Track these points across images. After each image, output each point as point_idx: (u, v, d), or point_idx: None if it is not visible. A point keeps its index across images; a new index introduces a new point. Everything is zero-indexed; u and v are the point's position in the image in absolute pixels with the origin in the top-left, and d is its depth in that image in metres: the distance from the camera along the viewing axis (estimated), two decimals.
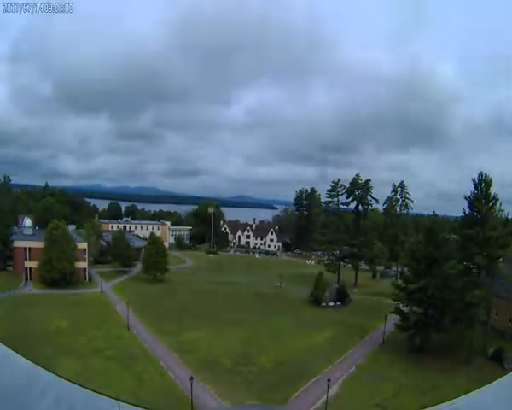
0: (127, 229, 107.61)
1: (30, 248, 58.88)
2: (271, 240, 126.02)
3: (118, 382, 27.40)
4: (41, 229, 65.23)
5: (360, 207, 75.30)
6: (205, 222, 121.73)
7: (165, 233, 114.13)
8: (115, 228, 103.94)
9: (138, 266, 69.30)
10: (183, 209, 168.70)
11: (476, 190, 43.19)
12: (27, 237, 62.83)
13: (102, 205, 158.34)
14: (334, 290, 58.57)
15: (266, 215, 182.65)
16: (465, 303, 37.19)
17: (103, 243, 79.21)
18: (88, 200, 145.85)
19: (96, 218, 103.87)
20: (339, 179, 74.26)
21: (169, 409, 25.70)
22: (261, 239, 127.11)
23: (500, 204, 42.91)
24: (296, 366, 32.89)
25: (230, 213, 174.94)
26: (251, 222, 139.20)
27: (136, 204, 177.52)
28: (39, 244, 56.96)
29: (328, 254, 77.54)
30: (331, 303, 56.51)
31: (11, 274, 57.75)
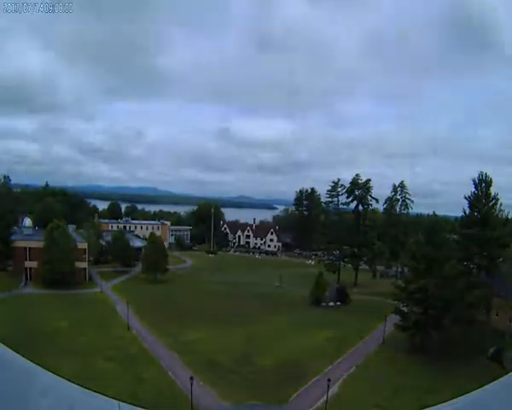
0: (127, 229, 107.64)
1: (30, 248, 58.90)
2: (271, 240, 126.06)
3: (118, 382, 27.38)
4: (41, 229, 65.22)
5: (360, 207, 75.34)
6: (205, 222, 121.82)
7: (165, 233, 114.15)
8: (115, 228, 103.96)
9: (138, 266, 69.31)
10: (183, 209, 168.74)
11: (476, 190, 43.27)
12: (27, 237, 62.83)
13: (102, 205, 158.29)
14: (334, 290, 58.53)
15: (266, 215, 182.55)
16: (465, 303, 37.22)
17: (103, 243, 79.19)
18: (88, 200, 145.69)
19: (96, 218, 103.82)
20: (339, 179, 74.48)
21: (169, 409, 25.71)
22: (261, 239, 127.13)
23: (500, 204, 43.02)
24: (296, 366, 32.85)
25: (230, 214, 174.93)
26: (251, 222, 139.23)
27: (136, 204, 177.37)
28: (39, 244, 56.95)
29: (328, 254, 77.60)
30: (331, 303, 56.50)
31: (11, 274, 57.77)
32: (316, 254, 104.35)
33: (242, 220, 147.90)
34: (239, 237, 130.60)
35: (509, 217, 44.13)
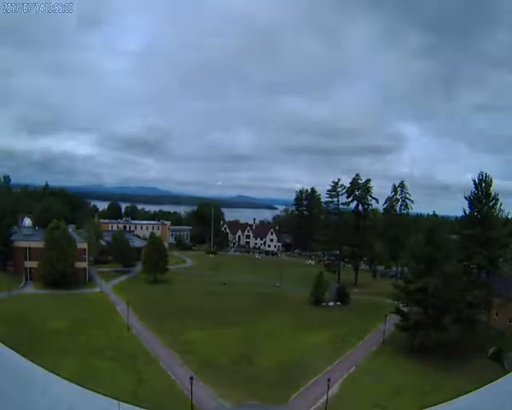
0: (127, 229, 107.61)
1: (30, 248, 58.86)
2: (271, 240, 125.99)
3: (118, 382, 27.38)
4: (41, 229, 65.20)
5: (360, 207, 75.33)
6: (205, 222, 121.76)
7: (165, 233, 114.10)
8: (115, 228, 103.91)
9: (138, 266, 69.28)
10: (183, 209, 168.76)
11: (476, 189, 43.27)
12: (27, 237, 62.79)
13: (102, 205, 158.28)
14: (334, 290, 58.56)
15: (266, 215, 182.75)
16: (465, 303, 37.23)
17: (103, 243, 79.17)
18: (88, 200, 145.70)
19: (96, 218, 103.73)
20: (339, 179, 74.46)
21: (169, 409, 25.71)
22: (261, 239, 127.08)
23: (500, 204, 43.04)
24: (296, 366, 32.88)
25: (230, 213, 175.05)
26: (251, 222, 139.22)
27: (136, 204, 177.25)
28: (39, 244, 56.92)
29: (328, 254, 77.56)
30: (331, 303, 56.52)
31: (11, 274, 57.69)
32: (316, 254, 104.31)
33: (242, 220, 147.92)
34: (239, 237, 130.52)
35: (509, 217, 44.16)
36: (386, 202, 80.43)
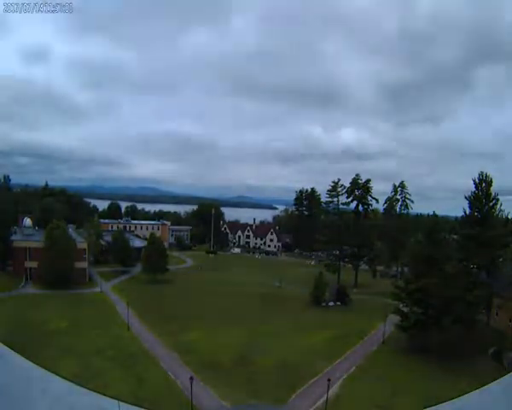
0: (127, 229, 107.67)
1: (30, 248, 58.83)
2: (271, 240, 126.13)
3: (118, 382, 27.41)
4: (41, 229, 65.19)
5: (360, 208, 75.38)
6: (205, 222, 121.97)
7: (165, 233, 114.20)
8: (115, 228, 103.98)
9: (138, 267, 69.29)
10: (184, 209, 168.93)
11: (477, 189, 43.27)
12: (27, 237, 62.74)
13: (102, 205, 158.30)
14: (334, 290, 58.55)
15: (266, 215, 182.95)
16: (465, 303, 37.22)
17: (103, 243, 79.16)
18: (88, 200, 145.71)
19: (96, 218, 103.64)
20: (339, 179, 74.45)
21: (169, 409, 25.70)
22: (261, 239, 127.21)
23: (500, 204, 43.06)
24: (296, 366, 32.86)
25: (230, 214, 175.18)
26: (251, 222, 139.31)
27: (136, 204, 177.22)
28: (39, 244, 56.93)
29: (328, 254, 77.60)
30: (331, 303, 56.52)
31: (11, 274, 57.74)
32: (316, 255, 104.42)
33: (242, 220, 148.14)
34: (239, 237, 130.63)
35: (509, 217, 44.15)
36: (386, 202, 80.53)
